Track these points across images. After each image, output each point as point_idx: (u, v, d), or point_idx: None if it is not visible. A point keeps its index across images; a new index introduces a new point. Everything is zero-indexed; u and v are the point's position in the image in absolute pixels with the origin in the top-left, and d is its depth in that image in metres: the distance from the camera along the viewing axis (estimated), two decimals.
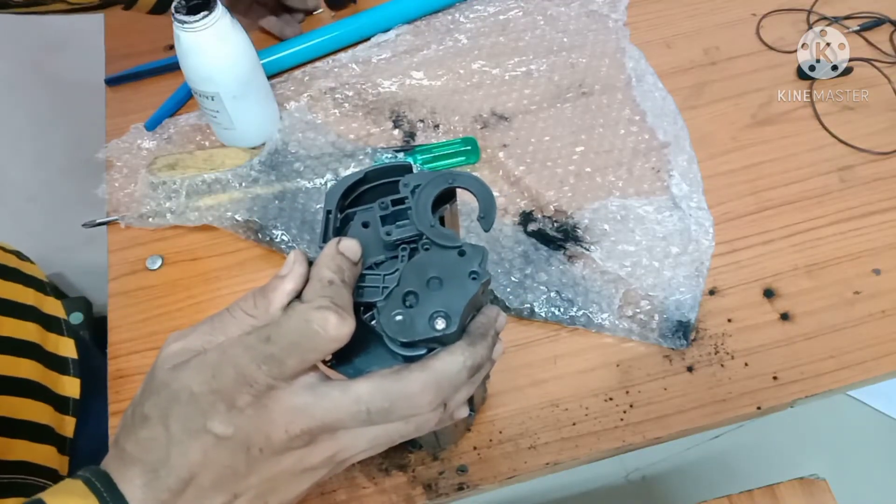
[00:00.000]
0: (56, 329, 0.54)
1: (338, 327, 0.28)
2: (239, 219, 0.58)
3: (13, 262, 0.53)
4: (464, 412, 0.34)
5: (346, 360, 0.31)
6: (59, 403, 0.51)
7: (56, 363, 0.52)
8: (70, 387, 0.53)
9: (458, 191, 0.35)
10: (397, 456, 0.49)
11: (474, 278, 0.31)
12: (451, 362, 0.30)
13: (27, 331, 0.51)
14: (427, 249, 0.32)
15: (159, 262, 0.59)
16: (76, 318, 1.15)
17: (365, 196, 0.36)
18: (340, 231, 0.34)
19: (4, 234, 1.10)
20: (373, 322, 0.31)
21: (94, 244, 1.03)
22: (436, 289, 0.31)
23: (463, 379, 0.30)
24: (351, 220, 0.35)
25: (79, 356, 0.56)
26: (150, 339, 0.55)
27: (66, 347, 0.54)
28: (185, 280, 0.58)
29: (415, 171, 0.35)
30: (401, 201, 0.33)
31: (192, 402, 0.28)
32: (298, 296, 0.30)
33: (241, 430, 0.28)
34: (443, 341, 0.30)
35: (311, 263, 0.31)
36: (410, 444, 0.48)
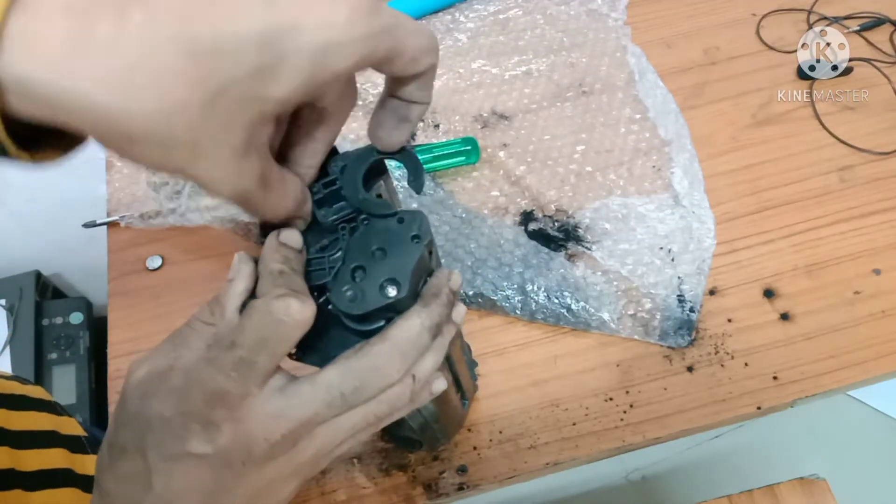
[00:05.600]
0: (79, 449, 0.51)
1: (301, 311, 0.28)
2: (238, 221, 0.58)
3: (17, 388, 0.50)
4: (441, 385, 0.34)
5: (310, 349, 0.32)
6: None
7: (89, 484, 0.49)
8: None
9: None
10: (397, 456, 0.49)
11: (416, 241, 0.31)
12: (409, 326, 0.30)
13: (54, 458, 0.48)
14: (366, 224, 0.33)
15: (159, 262, 0.59)
16: (76, 318, 1.14)
17: None
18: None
19: (5, 235, 1.10)
20: (329, 306, 0.31)
21: (94, 244, 1.03)
22: (381, 259, 0.31)
23: (425, 341, 0.31)
24: None
25: None
26: (150, 339, 0.55)
27: (93, 466, 0.52)
28: (185, 280, 0.58)
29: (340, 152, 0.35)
30: (332, 183, 0.33)
31: (167, 428, 0.27)
32: (252, 295, 0.30)
33: (221, 447, 0.28)
34: (397, 308, 0.31)
35: (256, 262, 0.31)
36: (410, 445, 0.48)
